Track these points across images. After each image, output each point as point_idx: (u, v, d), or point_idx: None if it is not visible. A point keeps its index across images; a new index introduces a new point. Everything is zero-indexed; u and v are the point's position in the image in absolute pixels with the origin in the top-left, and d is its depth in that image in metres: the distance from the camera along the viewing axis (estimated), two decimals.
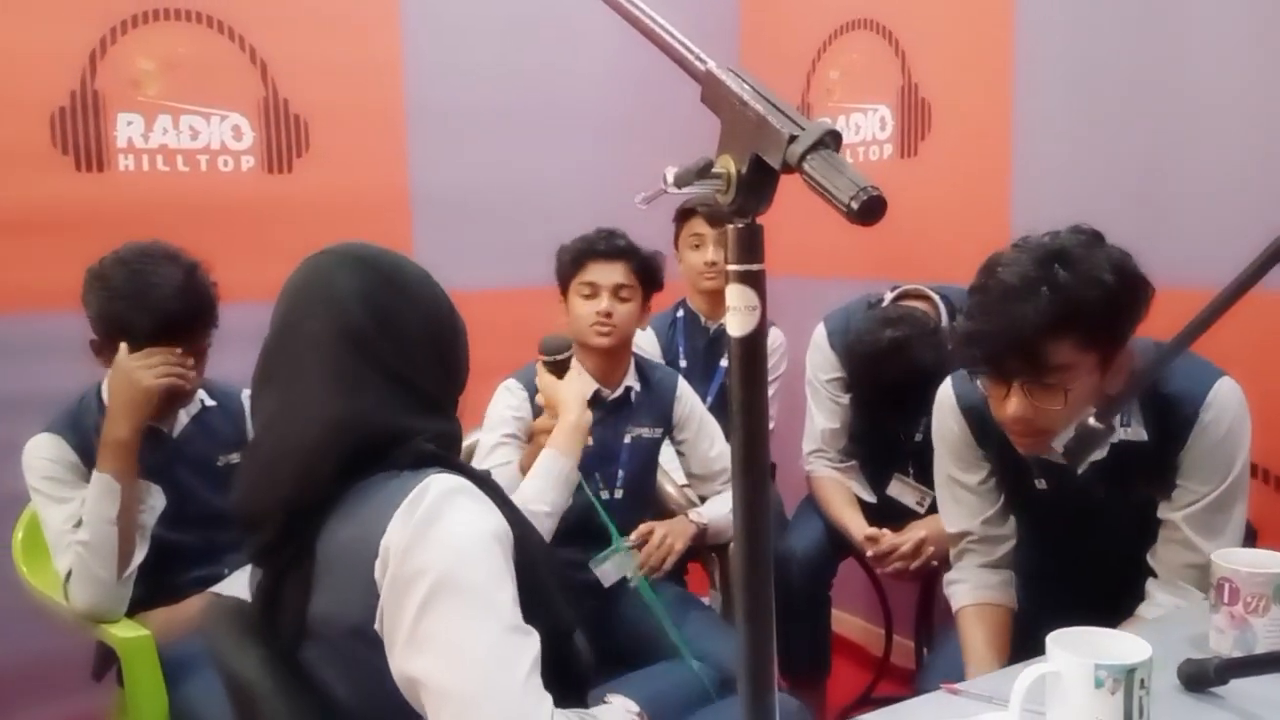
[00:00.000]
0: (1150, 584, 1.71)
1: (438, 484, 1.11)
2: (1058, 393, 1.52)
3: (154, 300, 1.95)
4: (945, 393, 1.86)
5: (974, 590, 1.85)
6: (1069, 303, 1.47)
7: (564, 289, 2.29)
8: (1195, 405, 1.62)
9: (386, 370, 1.19)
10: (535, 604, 1.12)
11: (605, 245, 2.24)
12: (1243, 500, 1.67)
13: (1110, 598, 1.70)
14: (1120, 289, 1.50)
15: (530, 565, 1.15)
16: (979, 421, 1.79)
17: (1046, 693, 1.18)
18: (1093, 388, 1.55)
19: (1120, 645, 1.19)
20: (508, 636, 1.06)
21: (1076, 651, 1.17)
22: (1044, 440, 1.62)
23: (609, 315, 2.20)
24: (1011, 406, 1.57)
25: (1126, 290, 1.51)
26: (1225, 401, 1.62)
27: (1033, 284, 1.49)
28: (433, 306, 1.25)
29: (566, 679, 1.18)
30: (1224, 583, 1.41)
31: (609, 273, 2.23)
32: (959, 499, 1.89)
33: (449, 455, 1.19)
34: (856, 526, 2.51)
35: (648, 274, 2.28)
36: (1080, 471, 1.69)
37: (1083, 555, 1.80)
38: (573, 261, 2.26)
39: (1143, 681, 1.15)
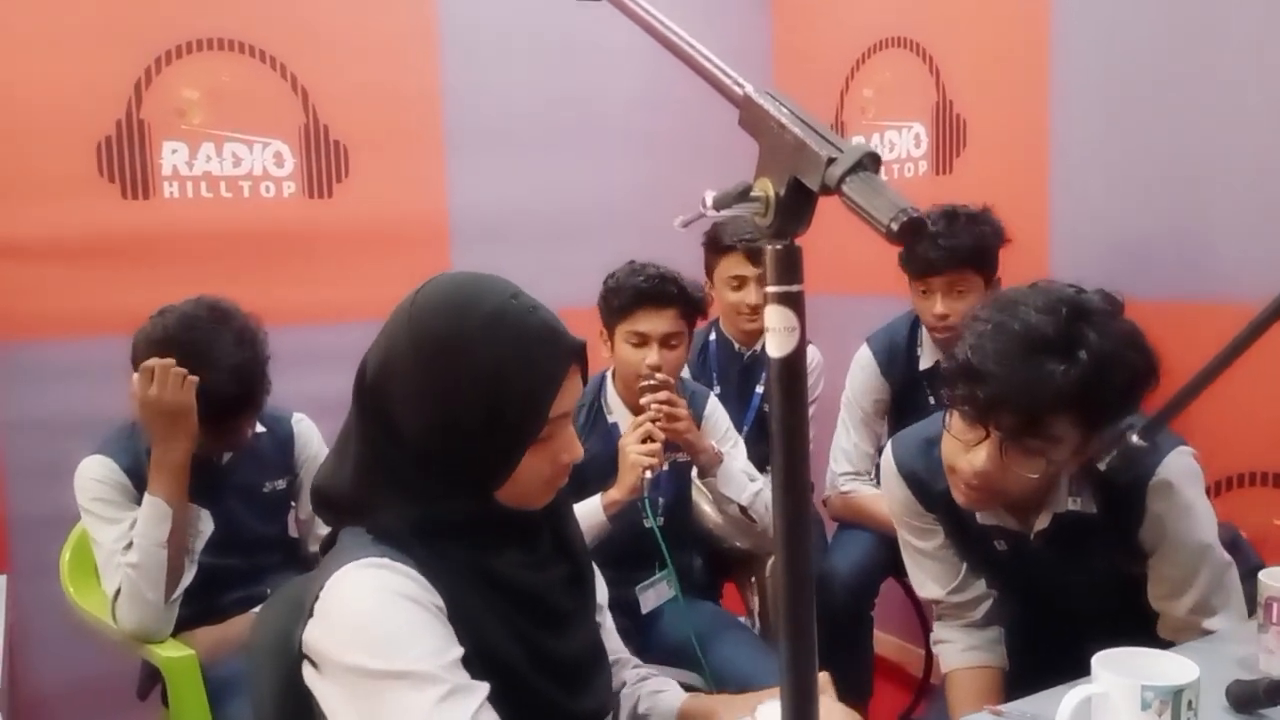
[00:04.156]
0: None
1: (345, 572, 1.09)
2: (1038, 459, 1.43)
3: (208, 392, 1.95)
4: (887, 461, 1.76)
5: (962, 652, 1.78)
6: (1093, 379, 1.36)
7: (609, 327, 2.22)
8: (1142, 483, 1.52)
9: (373, 441, 1.16)
10: (480, 657, 1.10)
11: (656, 292, 2.14)
12: (1228, 565, 1.59)
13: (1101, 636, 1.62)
14: (1139, 368, 1.41)
15: (473, 622, 1.12)
16: (920, 487, 1.70)
17: (1093, 714, 1.17)
18: (1062, 464, 1.47)
19: (1167, 666, 1.18)
20: (439, 707, 1.02)
21: (1123, 672, 1.15)
22: (988, 500, 1.54)
23: (658, 368, 2.15)
24: (980, 459, 1.45)
25: (1144, 372, 1.42)
26: (1177, 478, 1.53)
27: (1065, 343, 1.37)
28: (450, 378, 1.11)
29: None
30: (1272, 602, 1.39)
31: (659, 322, 2.16)
32: (922, 566, 1.80)
33: (404, 538, 1.12)
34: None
35: (694, 315, 2.23)
36: (1032, 537, 1.61)
37: (1058, 614, 1.72)
38: (621, 307, 2.18)
39: (1190, 703, 1.13)
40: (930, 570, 1.79)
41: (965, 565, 1.77)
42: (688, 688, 1.81)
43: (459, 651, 1.08)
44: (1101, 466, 1.54)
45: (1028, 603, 1.78)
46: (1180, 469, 1.54)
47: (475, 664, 1.10)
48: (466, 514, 1.15)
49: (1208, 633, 1.58)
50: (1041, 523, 1.59)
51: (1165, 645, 1.55)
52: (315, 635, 1.09)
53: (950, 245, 2.32)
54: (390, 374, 1.14)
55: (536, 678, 1.17)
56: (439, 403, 1.11)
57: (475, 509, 1.16)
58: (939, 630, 1.83)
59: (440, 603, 1.10)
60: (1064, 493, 1.57)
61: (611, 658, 1.38)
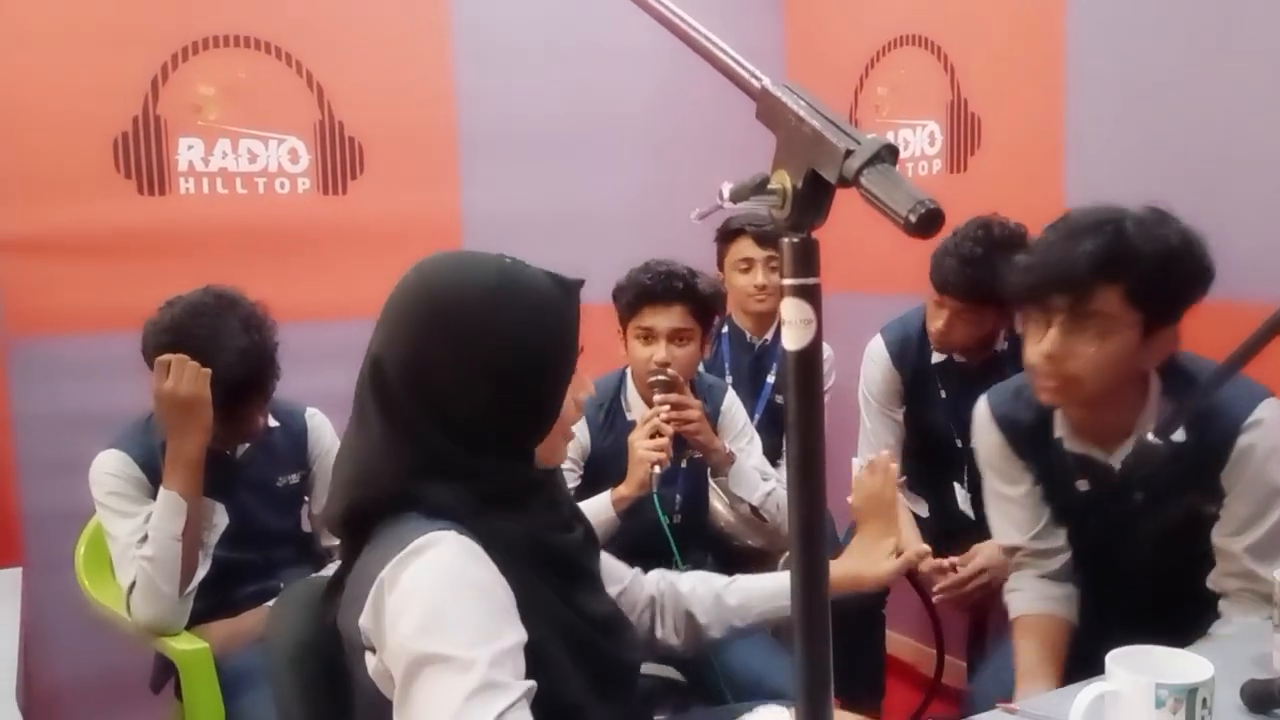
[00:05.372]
0: (1224, 605, 1.66)
1: (421, 547, 1.08)
2: (1093, 335, 1.54)
3: (217, 374, 1.95)
4: (981, 409, 1.85)
5: (1033, 600, 1.80)
6: (1126, 248, 1.50)
7: (623, 325, 2.25)
8: (1236, 422, 1.58)
9: (402, 422, 1.15)
10: (535, 667, 1.09)
11: (662, 289, 2.16)
12: None
13: (1159, 614, 1.61)
14: (1181, 254, 1.52)
15: (529, 590, 1.13)
16: (1014, 431, 1.80)
17: (1106, 712, 1.17)
18: (1129, 351, 1.55)
19: (1182, 664, 1.17)
20: (467, 704, 1.01)
21: (1137, 670, 1.15)
22: (1068, 391, 1.61)
23: (666, 364, 2.15)
24: (1046, 342, 1.58)
25: (1186, 256, 1.53)
26: (1269, 422, 1.58)
27: (1097, 227, 1.53)
28: (492, 345, 1.14)
29: None
30: None
31: (666, 317, 2.17)
32: (1006, 514, 1.86)
33: (461, 512, 1.13)
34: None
35: (707, 312, 2.22)
36: (1118, 469, 1.67)
37: (1128, 569, 1.75)
38: (629, 304, 2.20)
39: (1205, 701, 1.13)
40: (1013, 516, 1.85)
41: (1048, 514, 1.82)
42: (671, 684, 1.85)
43: (514, 639, 1.07)
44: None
45: (1095, 559, 1.82)
46: (1274, 412, 1.60)
47: (537, 630, 1.10)
48: (513, 480, 1.19)
49: (1255, 588, 1.60)
50: (1128, 447, 1.64)
51: (1186, 641, 1.55)
52: (377, 617, 1.08)
53: (975, 279, 2.28)
54: (428, 362, 1.14)
55: (592, 634, 1.21)
56: (492, 365, 1.14)
57: (520, 474, 1.21)
58: (1013, 580, 1.86)
59: (504, 581, 1.11)
60: (1152, 417, 1.61)
61: (624, 575, 1.49)
